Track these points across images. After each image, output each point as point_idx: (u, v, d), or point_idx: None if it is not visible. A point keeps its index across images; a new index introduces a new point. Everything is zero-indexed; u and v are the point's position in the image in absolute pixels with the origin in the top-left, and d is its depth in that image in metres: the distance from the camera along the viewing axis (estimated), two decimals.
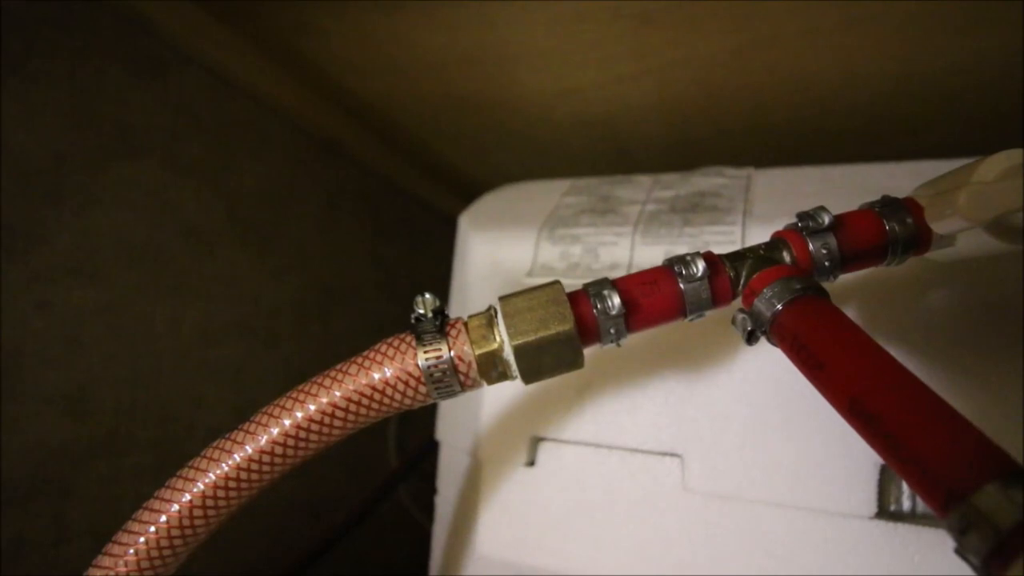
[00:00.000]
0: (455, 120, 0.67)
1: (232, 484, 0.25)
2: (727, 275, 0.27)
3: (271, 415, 0.26)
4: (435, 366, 0.26)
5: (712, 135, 0.63)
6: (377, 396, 0.26)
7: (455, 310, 0.48)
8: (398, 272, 0.83)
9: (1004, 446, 0.18)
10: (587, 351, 0.27)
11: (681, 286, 0.26)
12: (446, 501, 0.45)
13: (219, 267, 0.56)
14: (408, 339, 0.27)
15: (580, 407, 0.39)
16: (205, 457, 0.26)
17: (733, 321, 0.27)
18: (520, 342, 0.26)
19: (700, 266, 0.26)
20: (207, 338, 0.54)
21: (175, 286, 0.51)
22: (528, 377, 0.27)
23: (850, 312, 0.33)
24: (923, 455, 0.18)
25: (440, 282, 0.51)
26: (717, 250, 0.28)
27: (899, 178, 0.38)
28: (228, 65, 0.55)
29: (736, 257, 0.28)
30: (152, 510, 0.25)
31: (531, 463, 0.40)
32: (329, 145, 0.70)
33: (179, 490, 0.25)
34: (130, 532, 0.25)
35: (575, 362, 0.27)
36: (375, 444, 0.77)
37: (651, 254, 0.40)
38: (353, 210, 0.74)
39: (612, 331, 0.27)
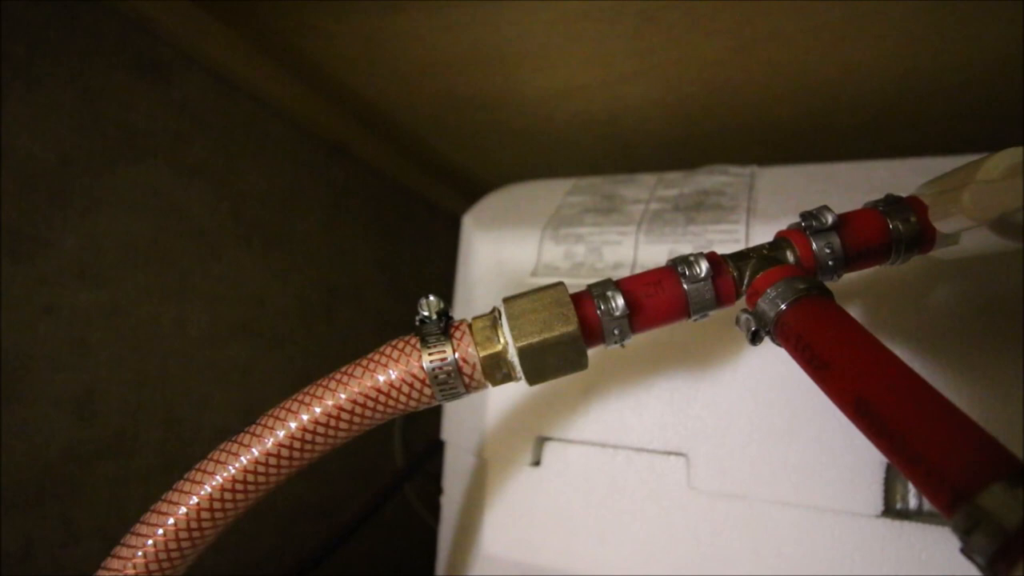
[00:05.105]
0: (458, 120, 0.67)
1: (239, 487, 0.26)
2: (731, 275, 0.27)
3: (277, 418, 0.26)
4: (439, 368, 0.26)
5: (715, 133, 0.63)
6: (382, 398, 0.26)
7: (459, 309, 0.48)
8: (403, 272, 0.84)
9: (1009, 445, 0.18)
10: (591, 352, 0.27)
11: (685, 287, 0.26)
12: (452, 501, 0.45)
13: (224, 268, 0.56)
14: (412, 341, 0.27)
15: (585, 407, 0.39)
16: (212, 460, 0.26)
17: (737, 321, 0.27)
18: (524, 344, 0.26)
19: (703, 266, 0.26)
20: (213, 339, 0.55)
21: (181, 288, 0.52)
22: (532, 378, 0.27)
23: (854, 311, 0.33)
24: (928, 455, 0.18)
25: (445, 281, 0.51)
26: (721, 249, 0.28)
27: (903, 175, 0.38)
28: (232, 67, 0.55)
29: (740, 257, 0.27)
30: (160, 513, 0.26)
31: (536, 463, 0.40)
32: (333, 146, 0.70)
33: (186, 493, 0.26)
34: (138, 535, 0.25)
35: (579, 363, 0.27)
36: (381, 444, 0.77)
37: (655, 253, 0.40)
38: (357, 210, 0.75)
39: (616, 332, 0.27)
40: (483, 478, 0.41)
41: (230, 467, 0.25)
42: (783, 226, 0.29)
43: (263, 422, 0.26)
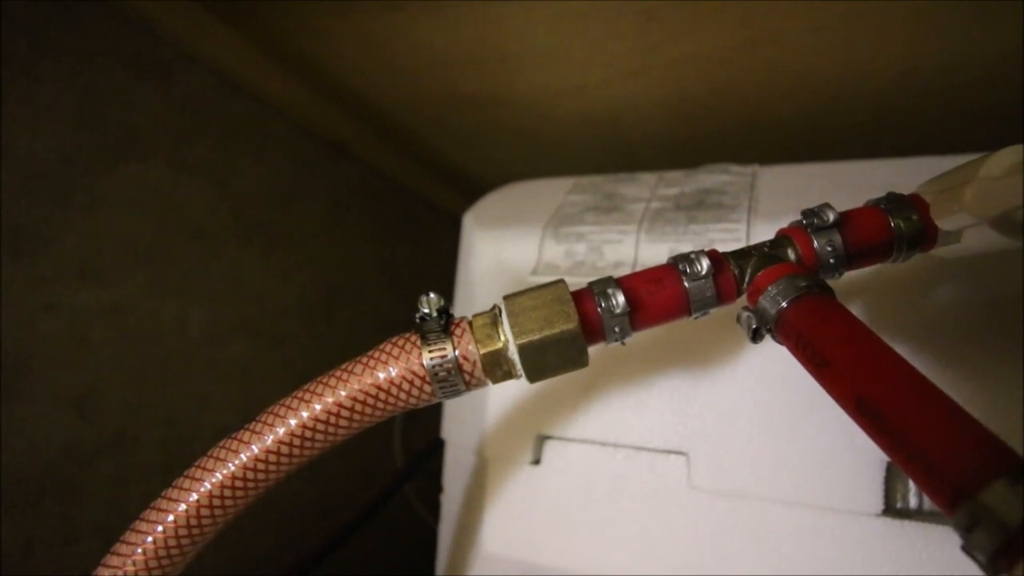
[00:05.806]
0: (459, 119, 0.67)
1: (239, 484, 0.26)
2: (732, 273, 0.27)
3: (277, 415, 0.26)
4: (440, 365, 0.26)
5: (716, 132, 0.63)
6: (382, 395, 0.26)
7: (460, 309, 0.48)
8: (403, 271, 0.84)
9: (1010, 442, 0.18)
10: (592, 349, 0.27)
11: (686, 284, 0.26)
12: (452, 500, 0.45)
13: (225, 267, 0.56)
14: (413, 338, 0.27)
15: (585, 405, 0.39)
16: (212, 457, 0.26)
17: (738, 319, 0.27)
18: (525, 341, 0.26)
19: (704, 264, 0.26)
20: (213, 338, 0.55)
21: (181, 287, 0.52)
22: (533, 376, 0.27)
23: (855, 309, 0.33)
24: (929, 452, 0.18)
25: (445, 281, 0.51)
26: (722, 248, 0.28)
27: (904, 175, 0.38)
28: (232, 66, 0.55)
29: (741, 255, 0.27)
30: (160, 509, 0.26)
31: (537, 461, 0.40)
32: (333, 145, 0.70)
33: (186, 490, 0.26)
34: (138, 531, 0.25)
35: (580, 361, 0.27)
36: (381, 443, 0.77)
37: (656, 252, 0.39)
38: (358, 210, 0.75)
39: (617, 329, 0.27)
40: (483, 477, 0.41)
41: (230, 464, 0.25)
42: (784, 225, 0.29)
43: (263, 419, 0.26)
